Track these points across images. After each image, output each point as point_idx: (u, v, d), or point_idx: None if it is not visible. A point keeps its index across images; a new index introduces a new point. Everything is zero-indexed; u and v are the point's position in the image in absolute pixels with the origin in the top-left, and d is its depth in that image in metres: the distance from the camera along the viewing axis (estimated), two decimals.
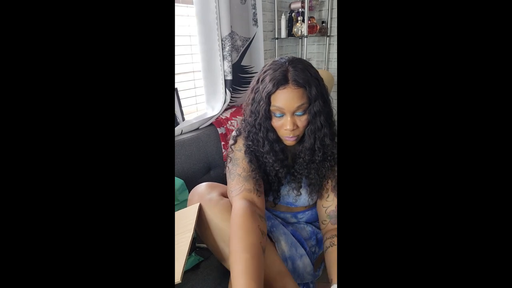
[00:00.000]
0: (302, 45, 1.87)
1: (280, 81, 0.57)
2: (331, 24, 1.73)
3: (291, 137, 0.63)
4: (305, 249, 0.70)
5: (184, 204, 0.79)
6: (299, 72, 0.57)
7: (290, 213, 0.75)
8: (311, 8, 1.66)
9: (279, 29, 1.65)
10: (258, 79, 0.62)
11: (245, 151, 0.68)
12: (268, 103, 0.59)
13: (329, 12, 1.71)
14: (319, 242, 0.75)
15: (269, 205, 0.77)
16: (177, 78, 1.19)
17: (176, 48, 1.13)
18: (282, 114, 0.60)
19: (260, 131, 0.64)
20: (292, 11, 1.65)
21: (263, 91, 0.59)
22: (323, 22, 1.72)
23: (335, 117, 0.65)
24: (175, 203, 0.77)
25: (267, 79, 0.58)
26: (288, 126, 0.59)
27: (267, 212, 0.74)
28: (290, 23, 1.65)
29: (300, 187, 0.69)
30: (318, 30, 1.67)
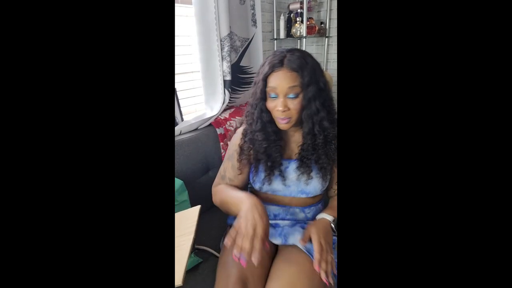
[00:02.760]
0: (300, 45, 1.87)
1: (276, 64, 0.63)
2: (329, 25, 1.74)
3: (283, 119, 0.65)
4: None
5: (183, 205, 0.79)
6: (294, 58, 0.63)
7: (299, 207, 0.75)
8: (309, 9, 1.66)
9: (278, 29, 1.65)
10: (261, 65, 0.68)
11: (242, 132, 0.75)
12: (264, 84, 0.65)
13: (328, 13, 1.71)
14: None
15: (273, 198, 0.76)
16: (176, 79, 1.19)
17: (175, 48, 1.13)
18: (276, 96, 0.64)
19: (256, 110, 0.68)
20: (290, 11, 1.65)
21: (261, 74, 0.65)
22: (321, 23, 1.72)
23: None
24: (175, 203, 0.77)
25: (266, 63, 0.65)
26: (280, 107, 0.63)
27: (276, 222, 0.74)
28: (289, 23, 1.65)
29: (311, 171, 0.70)
30: (316, 31, 1.67)
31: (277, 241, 0.68)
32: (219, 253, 0.75)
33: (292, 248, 0.65)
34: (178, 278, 0.42)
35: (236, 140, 0.77)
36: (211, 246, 0.79)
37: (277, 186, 0.73)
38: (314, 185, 0.72)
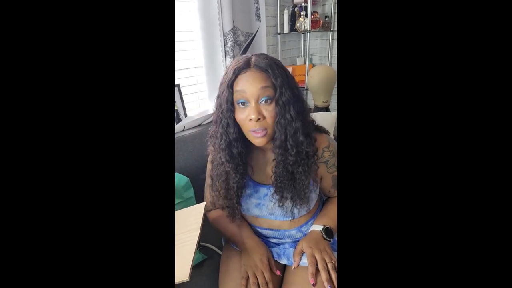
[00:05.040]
0: (304, 40, 1.86)
1: (241, 67, 0.54)
2: (334, 18, 1.71)
3: (258, 131, 0.54)
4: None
5: (189, 201, 0.79)
6: (262, 59, 0.55)
7: (294, 229, 0.67)
8: (314, 3, 1.64)
9: (282, 24, 1.63)
10: (224, 74, 0.58)
11: (210, 161, 0.66)
12: (231, 91, 0.55)
13: (333, 7, 1.69)
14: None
15: (262, 222, 0.68)
16: (179, 74, 1.18)
17: (177, 44, 1.12)
18: (246, 102, 0.54)
19: (220, 125, 0.57)
20: (295, 5, 1.64)
21: (224, 82, 0.56)
22: (326, 16, 1.70)
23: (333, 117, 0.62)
24: (180, 200, 0.77)
25: (230, 69, 0.56)
26: (253, 115, 0.53)
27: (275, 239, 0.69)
28: (293, 17, 1.64)
29: (285, 198, 0.61)
30: (321, 25, 1.65)
31: (283, 261, 0.65)
32: (221, 250, 0.75)
33: (298, 266, 0.63)
34: (185, 273, 0.42)
35: (207, 171, 0.69)
36: (215, 244, 0.80)
37: (259, 213, 0.66)
38: (298, 209, 0.63)
